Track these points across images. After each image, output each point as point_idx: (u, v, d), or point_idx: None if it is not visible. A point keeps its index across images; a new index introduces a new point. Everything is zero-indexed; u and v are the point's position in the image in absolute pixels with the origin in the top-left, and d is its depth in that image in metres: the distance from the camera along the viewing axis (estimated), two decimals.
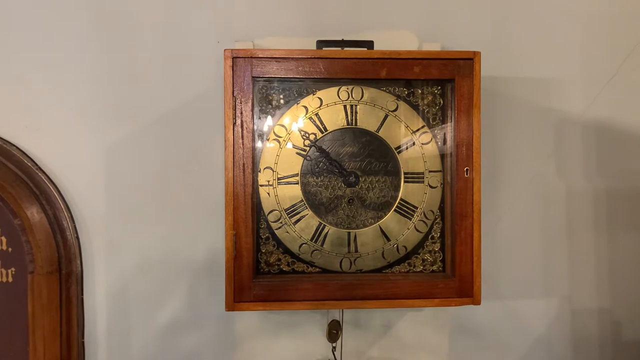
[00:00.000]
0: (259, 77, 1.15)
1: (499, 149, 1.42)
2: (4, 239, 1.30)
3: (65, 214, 1.33)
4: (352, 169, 1.22)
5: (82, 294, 1.35)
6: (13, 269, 1.30)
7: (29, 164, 1.33)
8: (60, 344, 1.31)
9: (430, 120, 1.22)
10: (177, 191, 1.36)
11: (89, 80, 1.35)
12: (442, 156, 1.22)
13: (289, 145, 1.20)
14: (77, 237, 1.34)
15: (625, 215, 1.47)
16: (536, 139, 1.44)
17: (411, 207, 1.22)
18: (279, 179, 1.20)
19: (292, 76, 1.15)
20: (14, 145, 1.33)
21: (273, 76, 1.15)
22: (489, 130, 1.39)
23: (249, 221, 1.15)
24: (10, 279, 1.30)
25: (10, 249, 1.30)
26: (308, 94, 1.20)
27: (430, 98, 1.22)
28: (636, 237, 1.48)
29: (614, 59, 1.46)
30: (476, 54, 1.16)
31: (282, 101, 1.20)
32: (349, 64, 1.15)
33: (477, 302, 1.18)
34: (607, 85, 1.46)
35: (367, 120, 1.21)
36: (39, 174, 1.33)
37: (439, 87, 1.22)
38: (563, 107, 1.44)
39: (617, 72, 1.46)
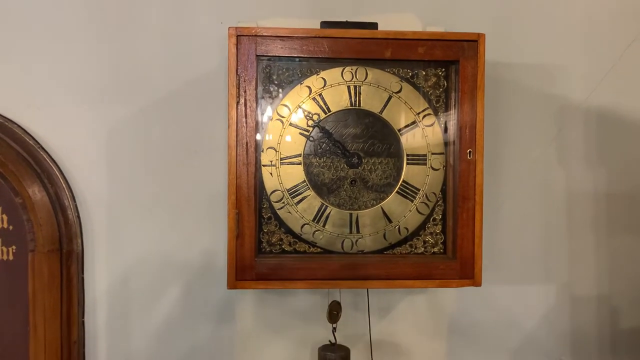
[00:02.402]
0: (263, 56, 1.14)
1: (500, 135, 1.43)
2: (5, 217, 1.30)
3: (67, 192, 1.33)
4: (355, 150, 1.22)
5: (83, 273, 1.35)
6: (14, 247, 1.30)
7: (30, 142, 1.33)
8: (61, 322, 1.31)
9: (434, 102, 1.22)
10: (180, 172, 1.36)
11: (92, 60, 1.34)
12: (445, 138, 1.22)
13: (292, 126, 1.20)
14: (78, 216, 1.34)
15: (627, 203, 1.47)
16: (538, 125, 1.44)
17: (413, 189, 1.22)
18: (281, 159, 1.20)
19: (296, 55, 1.14)
20: (15, 124, 1.33)
21: (277, 55, 1.14)
22: (491, 116, 1.39)
23: (251, 200, 1.15)
24: (11, 257, 1.30)
25: (11, 227, 1.30)
26: (312, 74, 1.20)
27: (434, 80, 1.22)
28: (636, 225, 1.48)
29: (617, 46, 1.46)
30: (480, 35, 1.16)
31: (285, 81, 1.20)
32: (354, 44, 1.15)
33: (477, 284, 1.18)
34: (610, 72, 1.46)
35: (371, 102, 1.21)
36: (41, 152, 1.33)
37: (443, 69, 1.22)
38: (565, 93, 1.45)
39: (620, 59, 1.46)
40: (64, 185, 1.33)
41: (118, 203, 1.35)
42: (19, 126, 1.33)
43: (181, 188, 1.36)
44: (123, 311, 1.36)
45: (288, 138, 1.20)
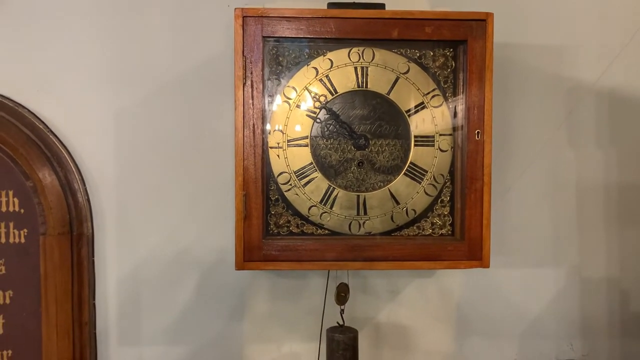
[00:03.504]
0: (270, 37, 1.14)
1: (510, 116, 1.41)
2: (16, 200, 1.31)
3: (76, 176, 1.34)
4: (362, 131, 1.22)
5: (93, 256, 1.36)
6: (25, 230, 1.32)
7: (40, 127, 1.34)
8: (72, 304, 1.33)
9: (442, 83, 1.21)
10: (188, 155, 1.36)
11: (100, 45, 1.35)
12: (453, 119, 1.21)
13: (299, 107, 1.20)
14: (88, 200, 1.35)
15: (637, 185, 1.46)
16: (548, 106, 1.43)
17: (421, 171, 1.22)
18: (288, 141, 1.20)
19: (302, 36, 1.14)
20: (25, 108, 1.34)
21: (283, 36, 1.14)
22: (501, 98, 1.38)
23: (258, 182, 1.15)
24: (22, 240, 1.32)
25: (22, 211, 1.31)
26: (318, 55, 1.19)
27: (442, 60, 1.21)
28: None
29: (628, 26, 1.44)
30: (489, 15, 1.15)
31: (292, 62, 1.19)
32: (360, 24, 1.14)
33: (485, 265, 1.18)
34: (621, 53, 1.44)
35: (378, 83, 1.20)
36: (51, 136, 1.34)
37: (451, 50, 1.21)
38: (576, 74, 1.43)
39: (631, 40, 1.44)
40: (73, 169, 1.34)
41: (127, 187, 1.36)
42: (29, 111, 1.34)
43: (190, 171, 1.36)
44: (133, 293, 1.37)
45: (295, 120, 1.20)
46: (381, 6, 1.21)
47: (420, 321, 1.43)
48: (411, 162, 1.22)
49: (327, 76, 1.19)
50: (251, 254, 1.15)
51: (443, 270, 1.42)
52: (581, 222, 1.45)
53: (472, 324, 1.45)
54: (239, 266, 1.15)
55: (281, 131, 1.20)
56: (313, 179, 1.21)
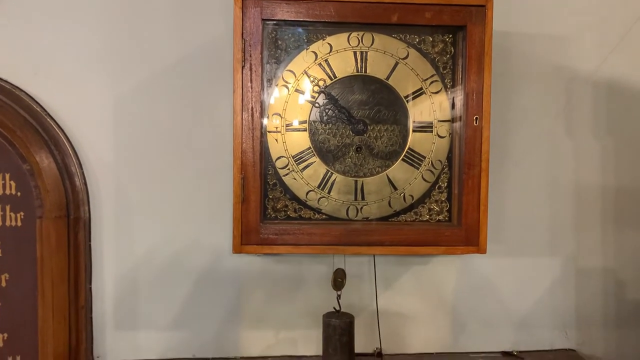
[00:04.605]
0: (269, 20, 1.14)
1: (509, 105, 1.41)
2: (13, 183, 1.31)
3: (74, 160, 1.34)
4: (360, 116, 1.22)
5: (90, 241, 1.36)
6: (22, 213, 1.31)
7: (38, 110, 1.33)
8: (68, 288, 1.32)
9: (441, 69, 1.22)
10: (186, 139, 1.36)
11: (99, 28, 1.34)
12: (452, 105, 1.21)
13: (298, 92, 1.19)
14: (85, 184, 1.35)
15: (634, 175, 1.46)
16: (547, 96, 1.43)
17: (419, 157, 1.22)
18: (287, 125, 1.20)
19: (302, 19, 1.14)
20: (23, 91, 1.34)
21: (283, 19, 1.14)
22: (500, 86, 1.38)
23: (257, 165, 1.15)
24: (19, 223, 1.31)
25: (19, 194, 1.31)
26: (318, 39, 1.19)
27: (441, 46, 1.21)
28: None
29: (627, 17, 1.44)
30: (488, 0, 1.15)
31: (291, 46, 1.19)
32: (360, 8, 1.14)
33: (482, 251, 1.18)
34: (620, 44, 1.44)
35: (377, 68, 1.20)
36: (48, 119, 1.33)
37: (450, 35, 1.21)
38: (575, 64, 1.43)
39: (630, 31, 1.44)
40: (71, 153, 1.34)
41: (125, 171, 1.36)
42: (26, 94, 1.33)
43: (188, 156, 1.36)
44: (130, 278, 1.37)
45: (294, 104, 1.20)
46: None
47: (416, 308, 1.43)
48: (409, 148, 1.22)
49: (326, 60, 1.19)
50: (249, 237, 1.15)
51: (439, 259, 1.42)
52: (578, 212, 1.46)
53: (467, 312, 1.45)
54: (237, 249, 1.15)
55: (279, 115, 1.20)
56: (311, 163, 1.21)
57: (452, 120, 1.21)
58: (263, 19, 1.13)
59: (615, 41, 1.44)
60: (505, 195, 1.43)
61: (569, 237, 1.46)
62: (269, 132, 1.20)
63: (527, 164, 1.44)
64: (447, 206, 1.23)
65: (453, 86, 1.21)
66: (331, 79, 1.20)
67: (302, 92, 1.20)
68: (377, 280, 1.40)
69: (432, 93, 1.21)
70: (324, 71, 1.19)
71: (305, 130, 1.20)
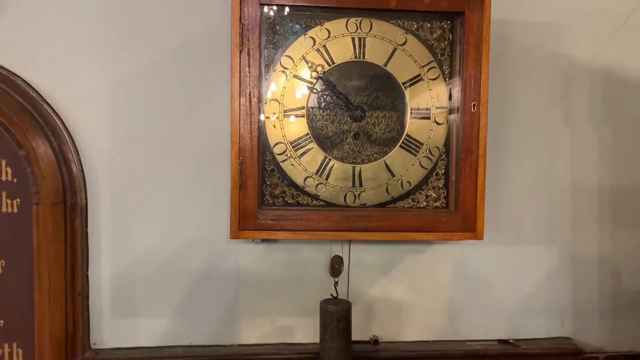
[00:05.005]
0: (267, 3, 1.14)
1: (506, 93, 1.42)
2: (9, 169, 1.30)
3: (70, 146, 1.33)
4: (358, 103, 1.22)
5: (87, 228, 1.36)
6: (18, 199, 1.31)
7: (34, 96, 1.32)
8: (65, 275, 1.32)
9: (439, 55, 1.22)
10: (183, 125, 1.35)
11: (96, 15, 1.33)
12: (450, 92, 1.21)
13: (296, 78, 1.19)
14: (82, 170, 1.34)
15: (630, 164, 1.47)
16: (544, 84, 1.43)
17: (417, 143, 1.22)
18: (285, 111, 1.20)
19: (300, 4, 1.14)
20: (19, 77, 1.33)
21: (281, 3, 1.14)
22: (497, 74, 1.38)
23: (254, 150, 1.15)
24: (15, 210, 1.31)
25: (15, 180, 1.30)
26: (316, 25, 1.19)
27: (439, 32, 1.21)
28: (638, 186, 1.48)
29: (625, 5, 1.44)
30: None
31: (289, 32, 1.19)
32: None
33: (479, 237, 1.19)
34: (616, 32, 1.44)
35: (376, 54, 1.20)
36: (44, 105, 1.32)
37: (448, 22, 1.21)
38: (572, 53, 1.44)
39: (627, 19, 1.45)
40: (67, 139, 1.33)
41: (122, 158, 1.35)
42: (22, 80, 1.32)
43: (185, 143, 1.35)
44: (127, 265, 1.37)
45: (291, 90, 1.20)
46: None
47: (412, 296, 1.43)
48: (407, 135, 1.22)
49: (324, 46, 1.19)
50: (246, 222, 1.15)
51: (436, 248, 1.43)
52: (574, 201, 1.46)
53: (464, 300, 1.45)
54: (234, 235, 1.14)
55: (277, 101, 1.19)
56: (309, 149, 1.21)
57: (450, 107, 1.22)
58: (261, 4, 1.13)
59: (613, 29, 1.44)
60: (501, 185, 1.43)
61: (565, 226, 1.47)
62: (267, 118, 1.19)
63: (524, 153, 1.44)
64: (444, 193, 1.24)
65: (451, 73, 1.21)
66: (329, 65, 1.20)
67: (300, 78, 1.19)
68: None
69: (430, 79, 1.21)
70: (322, 57, 1.19)
71: (303, 116, 1.20)
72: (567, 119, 1.44)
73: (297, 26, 1.19)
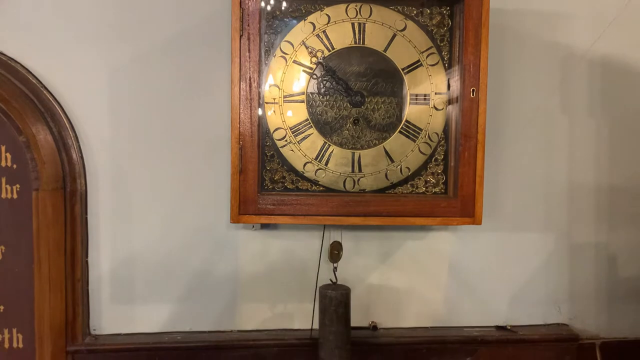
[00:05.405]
0: None
1: (505, 81, 1.42)
2: (8, 155, 1.30)
3: (70, 132, 1.33)
4: (358, 88, 1.22)
5: (87, 214, 1.36)
6: (18, 185, 1.31)
7: (34, 82, 1.32)
8: (65, 261, 1.32)
9: (438, 41, 1.22)
10: (183, 112, 1.36)
11: (96, 1, 1.33)
12: (449, 78, 1.22)
13: (296, 63, 1.20)
14: (82, 157, 1.35)
15: (628, 152, 1.48)
16: (542, 72, 1.44)
17: (416, 129, 1.23)
18: (284, 96, 1.20)
19: None
20: (18, 63, 1.33)
21: None
22: (496, 63, 1.38)
23: (254, 135, 1.15)
24: (15, 196, 1.31)
25: (15, 166, 1.30)
26: (316, 10, 1.19)
27: (438, 18, 1.22)
28: (636, 175, 1.49)
29: None
30: None
31: (289, 17, 1.19)
32: None
33: (478, 222, 1.19)
34: (614, 21, 1.45)
35: (375, 40, 1.20)
36: (44, 92, 1.32)
37: (448, 8, 1.21)
38: (570, 41, 1.44)
39: (625, 8, 1.45)
40: (67, 125, 1.33)
41: (122, 144, 1.35)
42: (22, 66, 1.32)
43: (184, 128, 1.36)
44: (126, 251, 1.37)
45: (291, 75, 1.20)
46: None
47: (410, 283, 1.44)
48: (406, 120, 1.23)
49: (324, 32, 1.19)
50: (246, 207, 1.15)
51: (434, 234, 1.44)
52: (571, 188, 1.47)
53: (462, 287, 1.46)
54: (234, 219, 1.15)
55: (277, 86, 1.20)
56: (309, 135, 1.21)
57: (449, 93, 1.22)
58: None
59: (611, 18, 1.45)
60: (499, 172, 1.44)
61: (562, 212, 1.48)
62: (267, 103, 1.20)
63: (522, 141, 1.45)
64: (443, 179, 1.24)
65: (450, 58, 1.22)
66: (329, 50, 1.20)
67: (300, 64, 1.20)
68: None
69: (430, 65, 1.22)
70: (321, 42, 1.20)
71: (302, 102, 1.21)
72: (565, 107, 1.45)
73: (297, 11, 1.19)
